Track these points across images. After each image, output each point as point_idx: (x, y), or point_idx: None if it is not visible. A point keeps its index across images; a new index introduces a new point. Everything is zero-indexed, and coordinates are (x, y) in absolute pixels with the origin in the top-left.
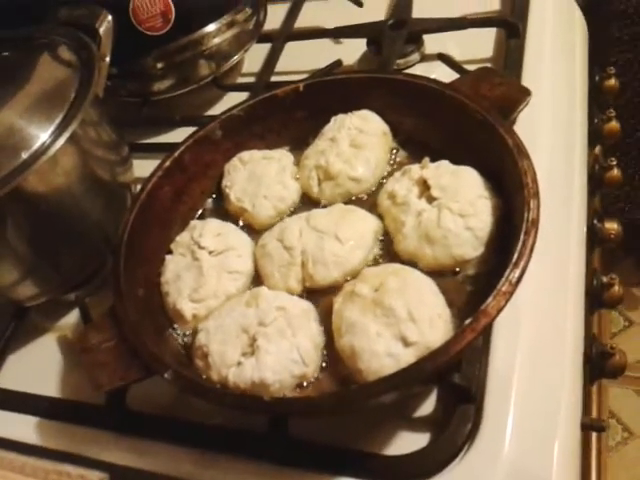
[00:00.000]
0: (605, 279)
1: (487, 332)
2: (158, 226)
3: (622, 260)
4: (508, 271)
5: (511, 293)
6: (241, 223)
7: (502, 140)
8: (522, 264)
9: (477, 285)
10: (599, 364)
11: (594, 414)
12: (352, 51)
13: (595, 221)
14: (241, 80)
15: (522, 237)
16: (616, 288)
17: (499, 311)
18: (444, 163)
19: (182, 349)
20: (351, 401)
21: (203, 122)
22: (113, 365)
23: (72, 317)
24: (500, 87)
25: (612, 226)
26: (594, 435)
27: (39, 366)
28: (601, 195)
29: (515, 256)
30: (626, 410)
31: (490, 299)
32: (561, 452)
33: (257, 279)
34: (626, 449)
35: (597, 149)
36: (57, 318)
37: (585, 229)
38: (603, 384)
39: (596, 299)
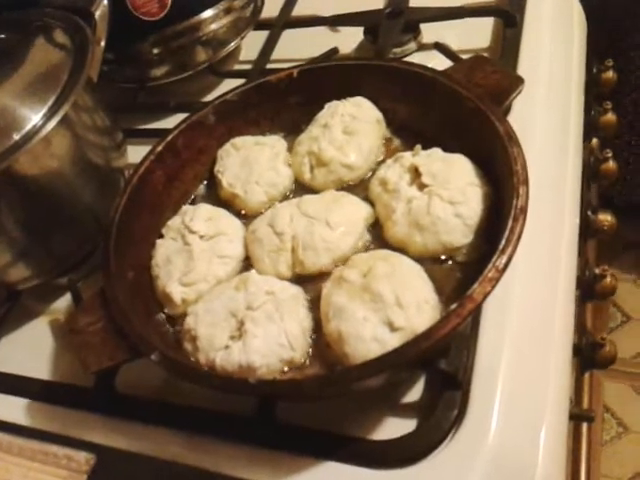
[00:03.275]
0: (597, 270)
1: (475, 319)
2: (149, 210)
3: (620, 255)
4: (495, 257)
5: (497, 279)
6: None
7: (493, 127)
8: (509, 251)
9: (466, 272)
10: (590, 355)
11: (586, 406)
12: (349, 40)
13: (589, 212)
14: (238, 67)
15: (510, 224)
16: (608, 280)
17: (485, 297)
18: (436, 151)
19: (171, 333)
20: (335, 384)
21: (198, 108)
22: (101, 346)
23: (64, 301)
24: (493, 75)
25: (606, 217)
26: (585, 428)
27: (30, 349)
28: (597, 187)
29: (502, 243)
30: (621, 405)
31: (476, 285)
32: (548, 440)
33: (248, 264)
34: (621, 443)
35: (594, 141)
36: (49, 302)
37: (578, 220)
38: (598, 379)
39: (588, 290)
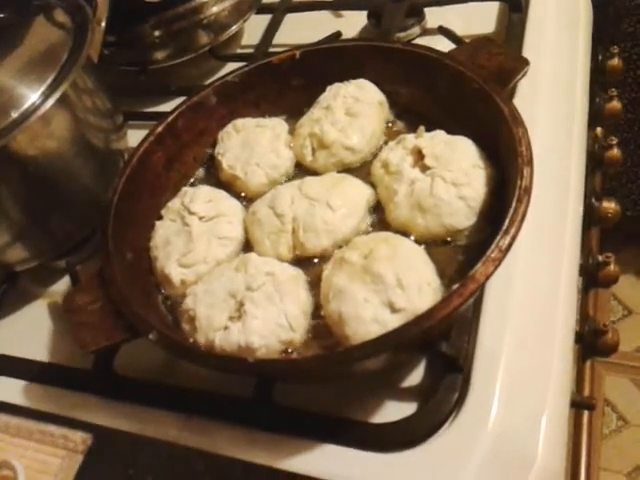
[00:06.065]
0: (601, 258)
1: (478, 303)
2: (149, 191)
3: (622, 248)
4: (498, 238)
5: (500, 260)
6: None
7: (498, 108)
8: (513, 231)
9: (468, 255)
10: (591, 342)
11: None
12: (352, 24)
13: (593, 199)
14: (239, 51)
15: (514, 204)
16: (611, 267)
17: (487, 277)
18: (439, 133)
19: (169, 314)
20: (335, 363)
21: (199, 90)
22: (98, 325)
23: (63, 284)
24: (498, 57)
25: (610, 205)
26: (585, 420)
27: (28, 331)
28: (602, 175)
29: (506, 223)
30: (621, 398)
31: (479, 265)
32: (549, 426)
33: (247, 246)
34: (620, 437)
35: (598, 129)
36: (48, 284)
37: (582, 206)
38: (599, 372)
39: (591, 278)
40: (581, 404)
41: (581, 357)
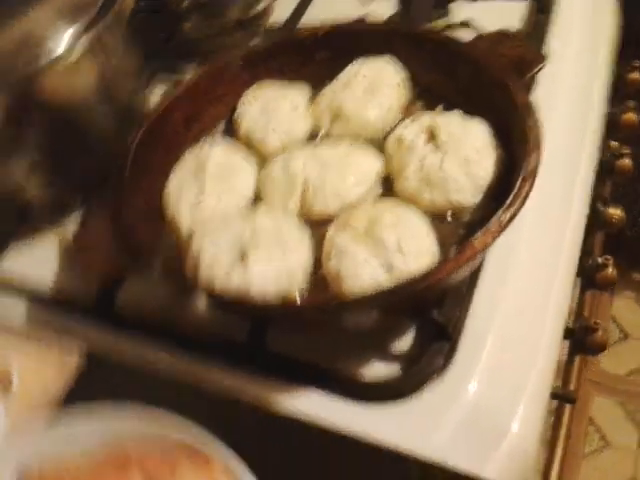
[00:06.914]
0: (600, 260)
1: (473, 279)
2: (166, 146)
3: (624, 270)
4: (500, 212)
5: (499, 233)
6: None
7: (513, 97)
8: (514, 208)
9: (471, 230)
10: (581, 338)
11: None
12: (379, 12)
13: (599, 204)
14: (268, 27)
15: (519, 183)
16: (610, 270)
17: (485, 247)
18: (456, 113)
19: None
20: (329, 311)
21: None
22: (106, 257)
23: (75, 224)
24: (518, 49)
25: (616, 212)
26: (562, 439)
27: (37, 265)
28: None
29: (509, 199)
30: (607, 420)
31: (478, 234)
32: (526, 406)
33: (257, 203)
34: (601, 457)
35: (613, 143)
36: (61, 223)
37: (588, 205)
38: (589, 391)
39: (589, 279)
40: (561, 396)
41: (570, 353)
